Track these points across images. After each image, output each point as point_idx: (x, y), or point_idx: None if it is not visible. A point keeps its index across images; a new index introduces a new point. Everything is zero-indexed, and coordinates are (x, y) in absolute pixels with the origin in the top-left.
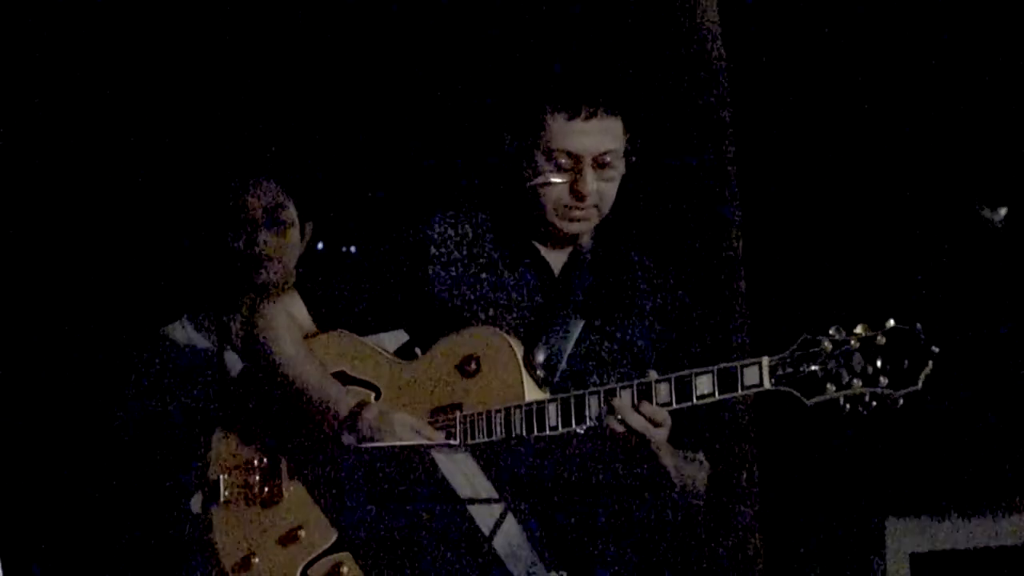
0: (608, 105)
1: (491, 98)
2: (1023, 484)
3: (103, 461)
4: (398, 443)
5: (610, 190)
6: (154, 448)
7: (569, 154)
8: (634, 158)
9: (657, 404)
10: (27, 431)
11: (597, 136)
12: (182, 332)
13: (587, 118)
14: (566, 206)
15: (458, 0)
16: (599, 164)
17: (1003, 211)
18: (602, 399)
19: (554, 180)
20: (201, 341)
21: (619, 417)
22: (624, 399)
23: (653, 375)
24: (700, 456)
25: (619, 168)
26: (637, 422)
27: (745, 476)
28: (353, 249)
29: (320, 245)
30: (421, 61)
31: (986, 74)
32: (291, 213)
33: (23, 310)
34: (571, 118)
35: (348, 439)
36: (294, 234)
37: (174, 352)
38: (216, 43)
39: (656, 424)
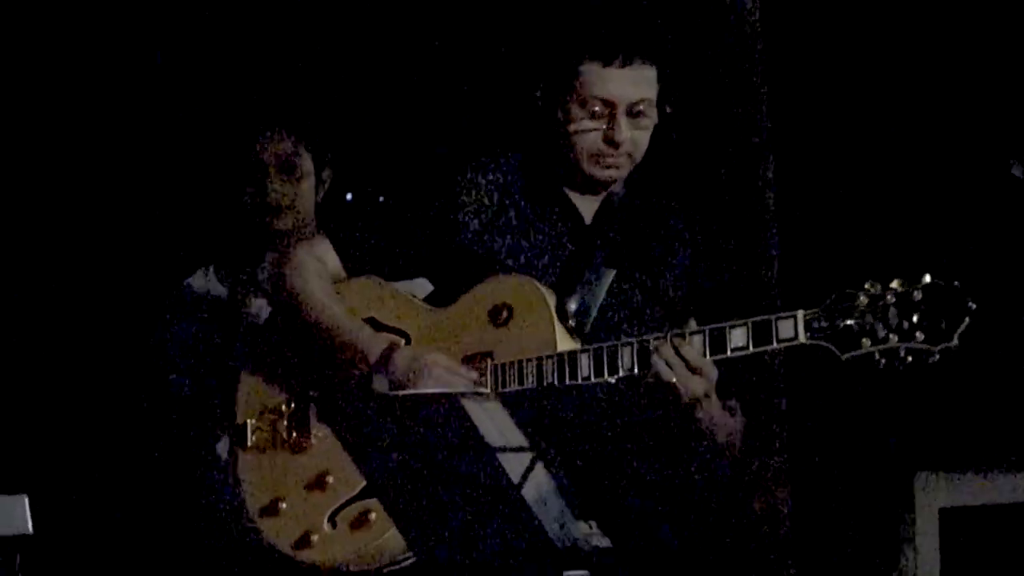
0: (643, 54)
1: (526, 44)
2: None
3: (130, 409)
4: (428, 390)
5: (643, 139)
6: (178, 394)
7: (604, 101)
8: (668, 108)
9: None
10: (54, 381)
11: (631, 84)
12: (203, 282)
13: (622, 66)
14: (599, 153)
15: None
16: (633, 112)
17: None
18: (636, 350)
19: (588, 126)
20: (222, 289)
21: (664, 362)
22: (663, 348)
23: (693, 324)
24: (735, 404)
25: (652, 117)
26: (666, 372)
27: (775, 429)
28: (380, 199)
29: (349, 196)
30: (456, 8)
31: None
32: (305, 162)
33: (45, 265)
34: (606, 65)
35: (380, 382)
36: (308, 183)
37: (195, 299)
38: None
39: (695, 371)
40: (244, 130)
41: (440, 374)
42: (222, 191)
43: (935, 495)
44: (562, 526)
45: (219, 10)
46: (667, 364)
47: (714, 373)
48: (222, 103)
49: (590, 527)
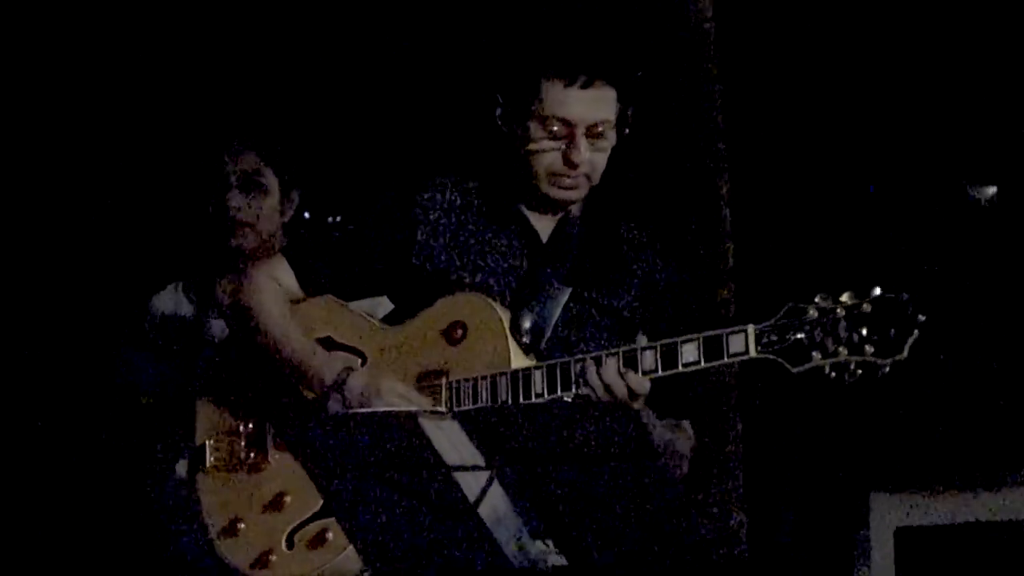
0: (604, 75)
1: (487, 63)
2: (1008, 460)
3: (89, 428)
4: (384, 409)
5: (601, 160)
6: (140, 414)
7: (564, 122)
8: (626, 130)
9: (643, 372)
10: (14, 400)
11: (592, 105)
12: (170, 299)
13: (583, 86)
14: (557, 173)
15: None
16: (592, 133)
17: (991, 190)
18: (588, 366)
19: (547, 146)
20: (188, 308)
21: (603, 382)
22: (609, 366)
23: (643, 340)
24: (686, 424)
25: (611, 138)
26: (619, 390)
27: (730, 447)
28: (338, 219)
29: (307, 214)
30: (414, 26)
31: (977, 51)
32: (269, 180)
33: (10, 281)
34: (568, 86)
35: (334, 406)
36: (271, 201)
37: (160, 319)
38: (203, 12)
39: (635, 395)
40: (210, 145)
41: (393, 400)
42: (188, 206)
43: (890, 514)
44: (519, 545)
45: (189, 25)
46: (603, 385)
47: (644, 391)
48: (190, 118)
49: (547, 546)
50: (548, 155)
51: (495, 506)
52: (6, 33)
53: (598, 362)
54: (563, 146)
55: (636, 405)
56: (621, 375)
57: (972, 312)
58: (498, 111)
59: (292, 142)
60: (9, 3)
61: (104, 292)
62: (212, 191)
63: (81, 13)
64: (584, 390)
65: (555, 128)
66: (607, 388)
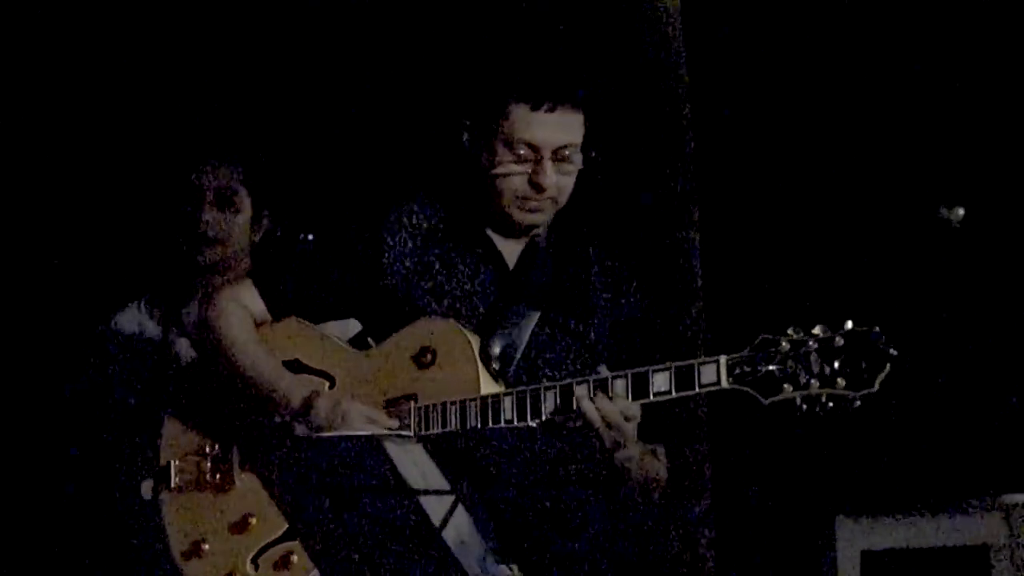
0: (571, 99)
1: (452, 87)
2: (973, 484)
3: (53, 447)
4: (349, 433)
5: (568, 183)
6: (104, 433)
7: (529, 145)
8: (593, 153)
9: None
10: None
11: (558, 129)
12: (133, 318)
13: (549, 110)
14: (524, 197)
15: None
16: (559, 157)
17: (960, 211)
18: (558, 394)
19: (514, 170)
20: (152, 327)
21: (580, 410)
22: (581, 393)
23: (603, 370)
24: (659, 449)
25: (577, 162)
26: (593, 416)
27: (698, 472)
28: (309, 237)
29: (278, 232)
30: (382, 49)
31: (941, 75)
32: (242, 199)
33: None
34: (534, 109)
35: (301, 429)
36: (242, 219)
37: (124, 338)
38: (176, 28)
39: (627, 419)
40: (183, 159)
41: (361, 423)
42: (157, 219)
43: (857, 538)
44: (483, 569)
45: (168, 40)
46: (599, 413)
47: (637, 418)
48: (163, 133)
49: (511, 570)
50: (514, 179)
51: (460, 530)
52: None
53: (591, 392)
54: (529, 170)
55: (627, 433)
56: (592, 400)
57: (936, 341)
58: (464, 135)
59: (266, 161)
60: None
61: (67, 308)
62: (184, 206)
63: (59, 26)
64: (554, 417)
65: (521, 151)
66: (604, 418)
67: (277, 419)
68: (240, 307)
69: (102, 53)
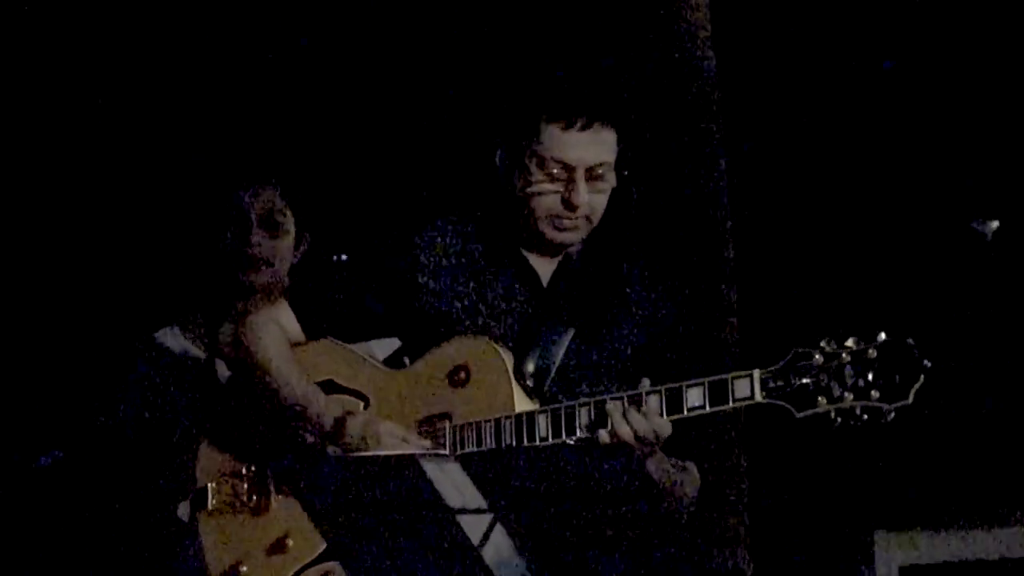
0: (604, 117)
1: (486, 106)
2: (1011, 497)
3: (93, 467)
4: (386, 452)
5: (601, 201)
6: (143, 454)
7: (563, 164)
8: (626, 172)
9: (646, 414)
10: (17, 435)
11: (591, 147)
12: (173, 339)
13: (582, 129)
14: (557, 215)
15: (456, 9)
16: (592, 175)
17: (994, 224)
18: (592, 411)
19: (547, 189)
20: (191, 348)
21: (609, 428)
22: (615, 409)
23: (646, 383)
24: (690, 465)
25: (611, 180)
26: (625, 433)
27: (735, 487)
28: (343, 257)
29: (309, 253)
30: (417, 70)
31: (975, 89)
32: (288, 219)
33: (15, 313)
34: (567, 128)
35: (333, 449)
36: (288, 240)
37: (164, 358)
38: (217, 54)
39: (659, 436)
40: (229, 182)
41: (393, 443)
42: (199, 241)
43: (895, 552)
44: None
45: (207, 66)
46: (632, 429)
47: (667, 433)
48: (209, 156)
49: None
50: (548, 197)
51: (498, 548)
52: (23, 69)
53: (623, 408)
54: (562, 188)
55: (658, 447)
56: (625, 418)
57: (974, 353)
58: (498, 153)
59: (307, 183)
60: (30, 40)
61: (106, 329)
62: (231, 227)
63: (101, 49)
64: (589, 433)
65: (554, 170)
66: (636, 434)
67: (310, 439)
68: (275, 327)
69: (151, 79)
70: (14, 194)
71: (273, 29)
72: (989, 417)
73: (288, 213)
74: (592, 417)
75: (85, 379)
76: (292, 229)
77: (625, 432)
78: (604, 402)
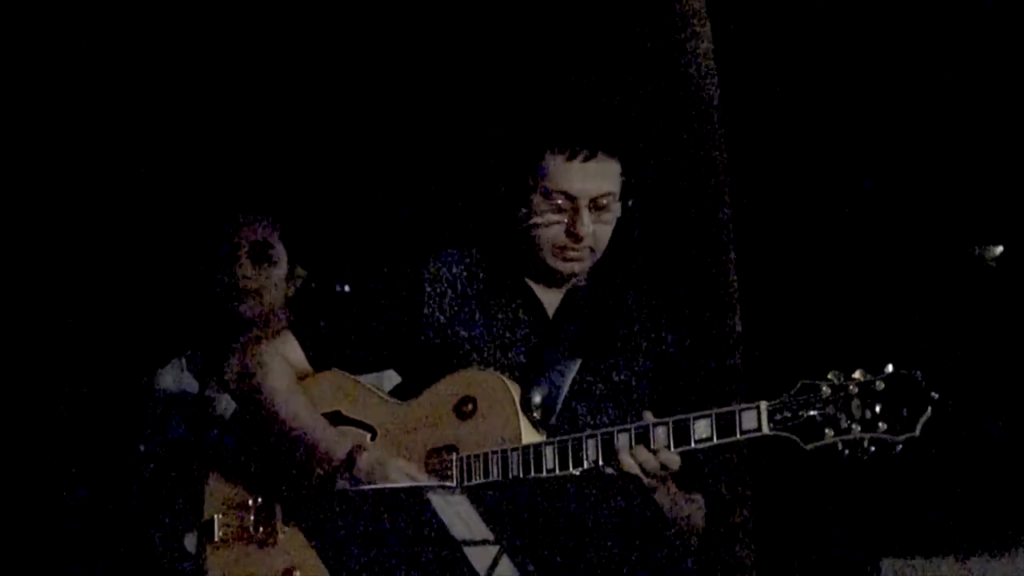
0: (607, 148)
1: (489, 137)
2: (1017, 524)
3: (98, 501)
4: (392, 485)
5: (605, 232)
6: (146, 488)
7: (566, 195)
8: (630, 202)
9: (653, 449)
10: (23, 474)
11: (595, 178)
12: (175, 374)
13: (586, 160)
14: (561, 247)
15: (458, 40)
16: (596, 206)
17: (998, 250)
18: (599, 443)
19: (551, 220)
20: (193, 383)
21: (614, 461)
22: (623, 442)
23: (649, 416)
24: (697, 497)
25: (615, 210)
26: (631, 466)
27: (740, 517)
28: (347, 288)
29: (313, 284)
30: (419, 101)
31: (977, 112)
32: (278, 252)
33: (19, 350)
34: (570, 159)
35: (343, 484)
36: (279, 272)
37: (167, 394)
38: (209, 86)
39: (664, 468)
40: (218, 215)
41: (401, 480)
42: (194, 274)
43: None
44: None
45: (199, 95)
46: (638, 464)
47: (676, 465)
48: (199, 188)
49: None
50: (552, 228)
51: None
52: (15, 95)
53: (630, 442)
54: (566, 219)
55: (668, 480)
56: (653, 452)
57: (980, 380)
58: (501, 185)
59: (301, 215)
60: (26, 67)
61: (109, 365)
62: (222, 260)
63: (94, 77)
64: (596, 465)
65: (558, 201)
66: (642, 466)
67: (319, 472)
68: (281, 359)
69: (141, 107)
70: (18, 233)
71: (273, 59)
72: (995, 445)
73: (279, 245)
74: (599, 449)
75: (89, 418)
76: (283, 260)
77: (631, 465)
78: (612, 435)
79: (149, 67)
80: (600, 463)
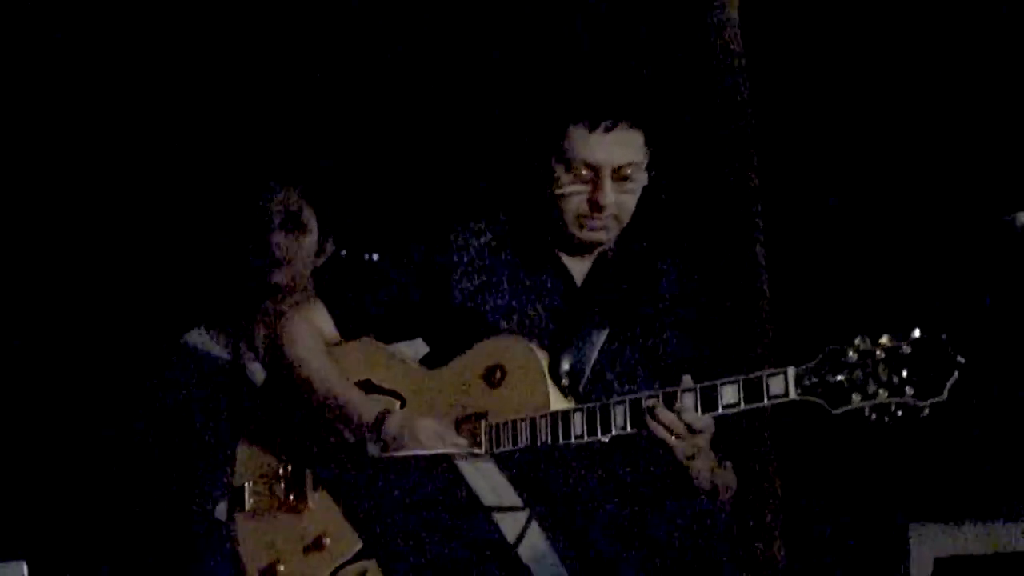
0: (629, 117)
1: (513, 108)
2: None
3: (127, 469)
4: (422, 452)
5: (629, 201)
6: (176, 456)
7: (589, 165)
8: (653, 172)
9: (681, 414)
10: (48, 438)
11: (617, 148)
12: (201, 340)
13: (608, 130)
14: (584, 216)
15: (482, 12)
16: (619, 176)
17: None
18: (628, 408)
19: (574, 190)
20: (219, 349)
21: (661, 425)
22: (651, 407)
23: (687, 380)
24: (728, 464)
25: (639, 180)
26: (660, 431)
27: (767, 483)
28: (376, 257)
29: (343, 252)
30: (446, 72)
31: (1008, 81)
32: (309, 220)
33: (44, 318)
34: (592, 129)
35: (372, 448)
36: (310, 241)
37: (194, 360)
38: (242, 54)
39: (694, 431)
40: (250, 183)
41: (431, 438)
42: (224, 243)
43: (930, 545)
44: None
45: (232, 68)
46: (664, 427)
47: (710, 430)
48: (230, 157)
49: None
50: (575, 198)
51: (534, 546)
52: (46, 91)
53: (657, 406)
54: (589, 189)
55: (698, 446)
56: (679, 416)
57: (1005, 346)
58: (526, 155)
59: (331, 183)
60: (50, 40)
61: (138, 330)
62: (254, 226)
63: (124, 54)
64: (625, 431)
65: (581, 171)
66: (670, 429)
67: (349, 437)
68: (311, 327)
69: (175, 83)
70: (41, 199)
71: (302, 34)
72: (1022, 409)
73: (310, 213)
74: (628, 415)
75: (116, 383)
76: (314, 229)
77: (660, 431)
78: (640, 400)
79: (181, 37)
80: (628, 429)
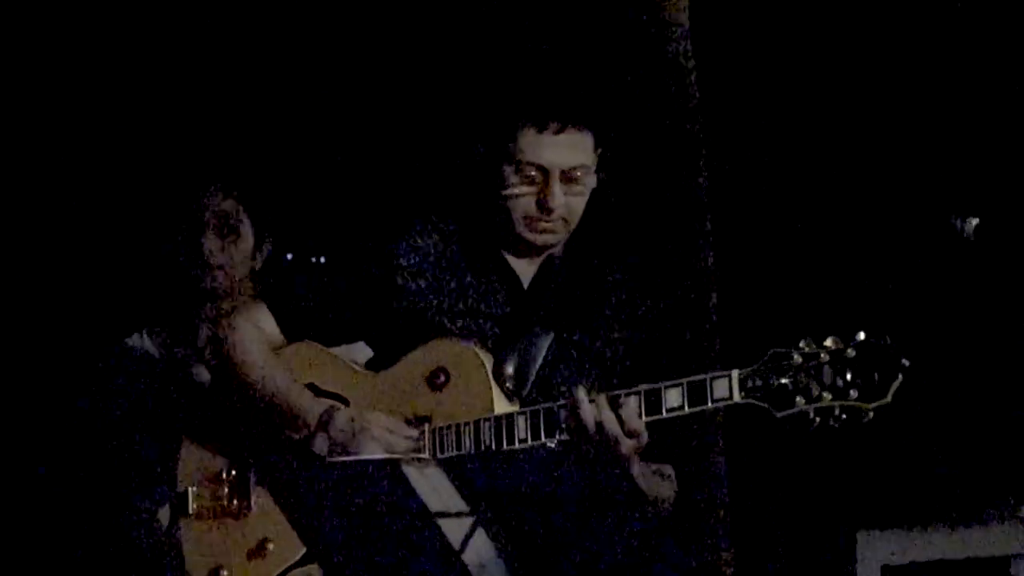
0: (578, 120)
1: (462, 109)
2: (992, 494)
3: (65, 475)
4: (367, 457)
5: (578, 204)
6: (117, 461)
7: (538, 167)
8: (602, 175)
9: (623, 416)
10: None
11: (566, 150)
12: (141, 344)
13: (557, 132)
14: (533, 218)
15: (430, 13)
16: (568, 178)
17: (974, 222)
18: (581, 403)
19: (523, 191)
20: (161, 353)
21: (596, 420)
22: (582, 396)
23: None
24: (667, 469)
25: (588, 183)
26: (589, 423)
27: (715, 489)
28: (322, 260)
29: (288, 256)
30: (394, 73)
31: (954, 85)
32: (243, 224)
33: None
34: (541, 131)
35: (320, 445)
36: (244, 245)
37: (134, 364)
38: (179, 58)
39: (631, 434)
40: (185, 188)
41: (381, 434)
42: (159, 247)
43: (877, 551)
44: None
45: (169, 68)
46: (598, 423)
47: (644, 438)
48: (167, 160)
49: None
50: (523, 200)
51: (479, 552)
52: None
53: (612, 404)
54: (538, 191)
55: (630, 446)
56: (615, 411)
57: (950, 350)
58: (474, 157)
59: (268, 187)
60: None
61: (74, 335)
62: (186, 232)
63: (65, 51)
64: (563, 436)
65: (531, 173)
66: (598, 426)
67: (296, 436)
68: (256, 329)
69: (106, 78)
70: None
71: (243, 36)
72: (968, 415)
73: (244, 218)
74: (571, 418)
75: (53, 388)
76: (249, 233)
77: (589, 423)
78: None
79: (115, 41)
80: (572, 432)
